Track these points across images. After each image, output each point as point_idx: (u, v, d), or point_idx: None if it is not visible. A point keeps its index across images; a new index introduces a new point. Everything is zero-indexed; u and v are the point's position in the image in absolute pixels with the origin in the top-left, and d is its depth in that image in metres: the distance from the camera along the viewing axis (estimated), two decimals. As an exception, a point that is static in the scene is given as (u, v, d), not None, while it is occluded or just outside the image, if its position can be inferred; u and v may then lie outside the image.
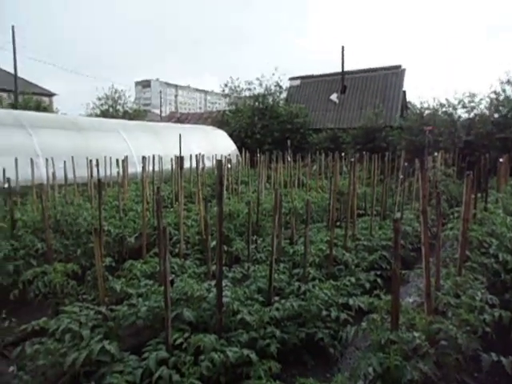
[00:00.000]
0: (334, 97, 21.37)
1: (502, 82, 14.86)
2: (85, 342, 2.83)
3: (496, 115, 14.77)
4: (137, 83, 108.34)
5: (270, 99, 21.34)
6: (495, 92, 14.86)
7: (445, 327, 2.49)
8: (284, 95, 22.79)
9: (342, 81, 21.41)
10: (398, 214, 7.36)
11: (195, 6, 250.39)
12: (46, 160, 8.68)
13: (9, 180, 5.40)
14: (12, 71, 25.95)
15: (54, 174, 8.22)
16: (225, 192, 8.56)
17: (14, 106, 23.70)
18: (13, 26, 25.08)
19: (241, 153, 15.75)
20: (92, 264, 5.01)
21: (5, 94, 30.53)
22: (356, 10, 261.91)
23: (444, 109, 15.85)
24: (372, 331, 2.50)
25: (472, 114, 15.43)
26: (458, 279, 3.42)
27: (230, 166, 9.34)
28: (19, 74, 26.54)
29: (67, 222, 5.62)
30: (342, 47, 21.19)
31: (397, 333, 2.35)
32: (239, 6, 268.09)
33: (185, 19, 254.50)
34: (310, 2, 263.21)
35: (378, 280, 4.66)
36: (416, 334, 2.37)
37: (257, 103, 21.09)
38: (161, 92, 52.32)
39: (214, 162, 12.80)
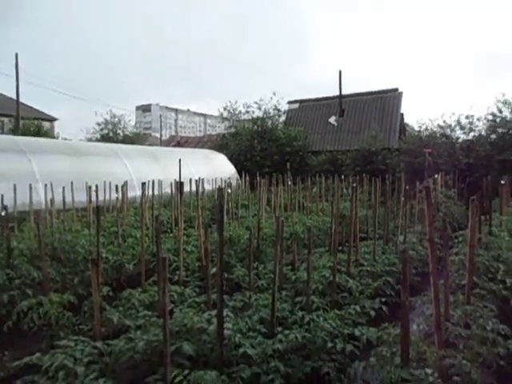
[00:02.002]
0: (332, 120, 21.59)
1: (498, 101, 14.96)
2: (79, 379, 2.70)
3: (493, 136, 14.88)
4: (137, 107, 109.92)
5: (269, 122, 21.55)
6: (492, 113, 15.01)
7: (458, 362, 2.37)
8: (283, 118, 23.05)
9: (340, 104, 21.70)
10: (401, 238, 7.26)
11: (196, 31, 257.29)
12: (45, 185, 8.63)
13: (6, 207, 5.32)
14: (14, 97, 26.31)
15: (52, 199, 8.16)
16: (225, 216, 8.49)
17: (14, 132, 23.91)
18: (16, 54, 25.66)
19: (240, 176, 15.75)
20: (89, 293, 4.87)
21: (6, 119, 30.89)
22: (354, 35, 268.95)
23: (442, 130, 15.99)
24: (382, 368, 2.38)
25: (470, 136, 15.55)
26: (467, 308, 3.31)
27: (230, 190, 9.28)
28: (21, 100, 26.91)
29: (64, 250, 5.51)
30: (340, 71, 21.58)
31: (408, 370, 2.23)
32: (239, 33, 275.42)
33: (186, 45, 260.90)
34: (309, 28, 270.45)
35: (384, 308, 4.52)
36: (428, 371, 2.25)
37: (256, 126, 21.28)
38: (161, 116, 52.98)
39: (214, 185, 12.78)
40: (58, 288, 4.88)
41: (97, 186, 8.43)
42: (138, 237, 6.53)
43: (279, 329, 3.62)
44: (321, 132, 21.59)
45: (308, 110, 23.16)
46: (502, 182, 8.01)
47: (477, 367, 2.47)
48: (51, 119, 37.18)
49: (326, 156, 18.99)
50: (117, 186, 8.67)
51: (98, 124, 29.63)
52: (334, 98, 22.29)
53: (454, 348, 2.76)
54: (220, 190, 3.00)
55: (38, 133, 24.31)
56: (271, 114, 21.89)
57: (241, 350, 3.09)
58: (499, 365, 2.66)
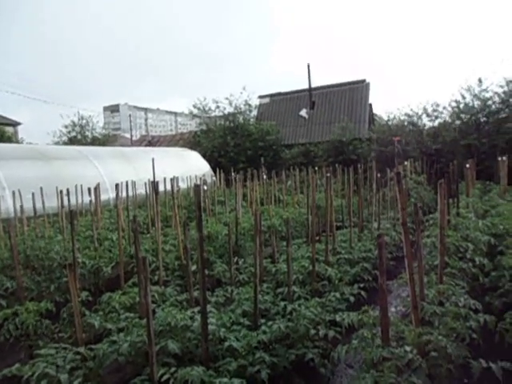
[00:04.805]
0: (303, 112, 21.79)
1: (462, 88, 15.46)
2: (63, 386, 2.65)
3: (458, 122, 15.42)
4: (105, 108, 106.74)
5: (241, 118, 21.51)
6: (456, 100, 15.54)
7: (434, 338, 2.48)
8: (254, 113, 23.05)
9: (310, 96, 21.91)
10: (375, 224, 7.47)
11: (162, 27, 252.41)
12: (13, 192, 8.32)
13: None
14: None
15: (21, 206, 7.88)
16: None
17: (-25, 138, 22.82)
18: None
19: (215, 172, 15.69)
20: (67, 299, 4.77)
21: (-35, 126, 29.37)
22: (321, 28, 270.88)
23: (409, 119, 16.45)
24: (364, 349, 2.47)
25: (436, 123, 16.07)
26: (440, 287, 3.46)
27: (205, 187, 9.25)
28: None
29: (38, 257, 5.36)
30: (308, 64, 21.78)
31: (389, 349, 2.33)
32: (208, 29, 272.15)
33: (152, 43, 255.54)
34: (277, 23, 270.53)
35: (362, 293, 4.66)
36: (407, 349, 2.35)
37: (228, 122, 21.20)
38: (130, 116, 51.78)
39: (189, 183, 12.68)
40: (34, 296, 4.75)
41: (68, 190, 8.21)
42: (115, 239, 6.42)
43: (262, 320, 3.67)
44: (293, 125, 21.75)
45: (279, 103, 23.27)
46: (467, 165, 8.35)
47: (452, 341, 2.60)
48: (14, 124, 35.51)
49: (299, 149, 19.19)
50: (89, 189, 8.46)
51: (65, 127, 28.66)
52: (303, 90, 22.49)
53: (430, 325, 2.89)
54: (197, 186, 3.00)
55: (1, 138, 23.31)
56: (242, 110, 21.85)
57: (226, 344, 3.12)
58: (471, 337, 2.81)
